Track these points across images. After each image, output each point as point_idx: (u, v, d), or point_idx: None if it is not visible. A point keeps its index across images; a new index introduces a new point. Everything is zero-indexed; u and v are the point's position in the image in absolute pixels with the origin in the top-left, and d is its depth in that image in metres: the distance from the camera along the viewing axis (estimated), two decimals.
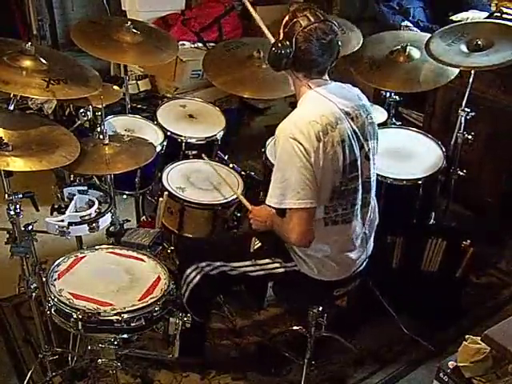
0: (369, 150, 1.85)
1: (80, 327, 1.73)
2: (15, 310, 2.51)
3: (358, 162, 1.81)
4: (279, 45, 1.72)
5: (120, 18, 3.35)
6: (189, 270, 2.02)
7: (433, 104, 3.33)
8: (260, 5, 4.22)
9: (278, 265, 1.94)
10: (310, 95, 1.78)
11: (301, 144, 1.67)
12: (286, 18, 1.74)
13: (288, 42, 1.70)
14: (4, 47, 1.98)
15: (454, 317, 2.52)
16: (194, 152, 2.70)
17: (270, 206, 1.80)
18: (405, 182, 2.44)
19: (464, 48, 2.45)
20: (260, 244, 2.00)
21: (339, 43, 1.77)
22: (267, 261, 1.95)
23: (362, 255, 1.94)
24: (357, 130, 1.80)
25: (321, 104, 1.75)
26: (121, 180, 2.42)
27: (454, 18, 3.25)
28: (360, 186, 1.84)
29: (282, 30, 1.75)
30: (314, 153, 1.68)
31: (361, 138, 1.81)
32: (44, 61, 1.97)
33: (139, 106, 3.50)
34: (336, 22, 1.76)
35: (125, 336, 1.80)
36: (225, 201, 2.36)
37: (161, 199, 2.36)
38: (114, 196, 2.25)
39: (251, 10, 2.05)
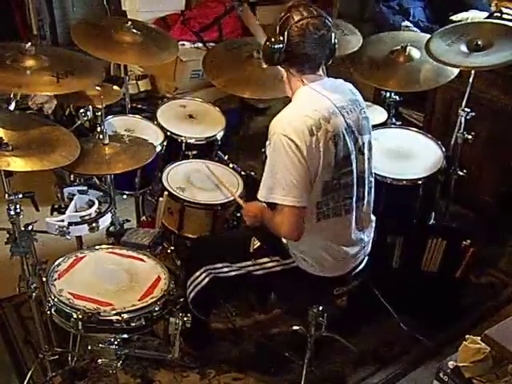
0: (363, 144, 1.85)
1: (80, 327, 1.73)
2: (15, 310, 2.51)
3: (352, 157, 1.80)
4: (272, 39, 1.72)
5: (120, 18, 3.35)
6: (198, 273, 2.03)
7: (433, 104, 3.32)
8: (260, 5, 4.23)
9: (275, 263, 1.94)
10: (304, 90, 1.78)
11: (292, 141, 1.67)
12: (282, 13, 1.74)
13: (281, 37, 1.70)
14: (4, 51, 1.99)
15: (454, 317, 2.52)
16: (194, 152, 2.70)
17: (259, 201, 1.82)
18: (405, 182, 2.43)
19: (464, 48, 2.45)
20: (259, 244, 2.01)
21: (334, 39, 1.76)
22: (266, 260, 1.95)
23: (360, 251, 1.94)
24: (351, 125, 1.79)
25: (314, 99, 1.76)
26: (121, 180, 2.42)
27: (454, 18, 3.25)
28: (355, 181, 1.84)
29: (277, 25, 1.74)
30: (306, 149, 1.68)
31: (355, 132, 1.81)
32: (46, 58, 1.99)
33: (139, 106, 3.49)
34: (335, 22, 1.75)
35: (125, 336, 1.81)
36: (225, 201, 2.36)
37: (161, 199, 2.36)
38: (114, 196, 2.25)
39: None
